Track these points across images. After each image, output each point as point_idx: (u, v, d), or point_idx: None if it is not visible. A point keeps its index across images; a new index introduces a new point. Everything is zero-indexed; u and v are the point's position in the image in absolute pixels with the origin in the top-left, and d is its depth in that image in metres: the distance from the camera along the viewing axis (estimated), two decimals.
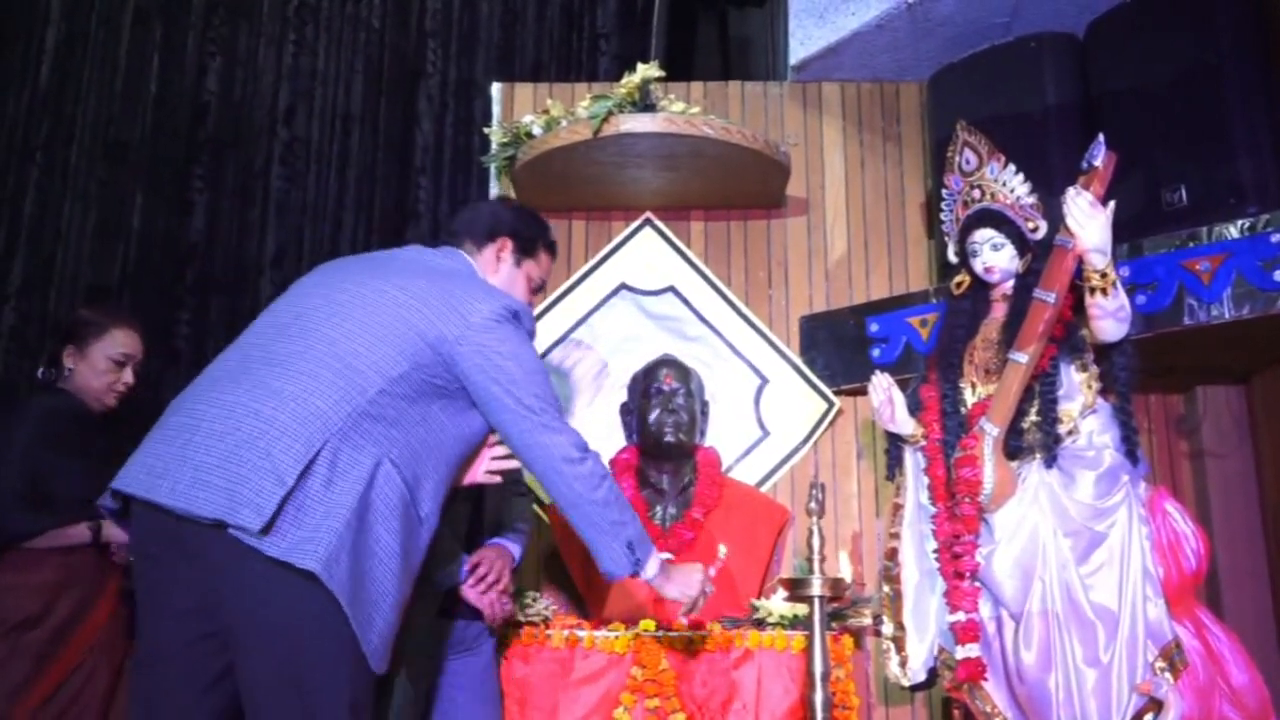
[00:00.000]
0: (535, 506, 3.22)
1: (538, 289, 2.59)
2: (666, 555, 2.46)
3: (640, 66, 3.39)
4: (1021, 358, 2.60)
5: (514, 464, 2.44)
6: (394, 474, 2.03)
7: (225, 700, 2.01)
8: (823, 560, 2.83)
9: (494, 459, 2.45)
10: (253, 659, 1.95)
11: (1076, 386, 2.69)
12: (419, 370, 2.11)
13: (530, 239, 2.53)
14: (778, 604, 3.06)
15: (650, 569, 2.33)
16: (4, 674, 2.83)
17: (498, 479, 2.50)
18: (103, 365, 3.08)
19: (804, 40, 3.89)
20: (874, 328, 3.55)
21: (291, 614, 1.91)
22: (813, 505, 2.80)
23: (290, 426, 1.95)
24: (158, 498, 1.94)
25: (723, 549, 2.82)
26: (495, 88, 4.06)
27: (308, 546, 1.88)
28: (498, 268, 2.47)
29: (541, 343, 3.69)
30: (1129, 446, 2.66)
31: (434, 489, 2.15)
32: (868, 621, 3.17)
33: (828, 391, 3.65)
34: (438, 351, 2.13)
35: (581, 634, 2.97)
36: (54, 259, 4.52)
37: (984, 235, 2.83)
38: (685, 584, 2.43)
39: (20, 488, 2.90)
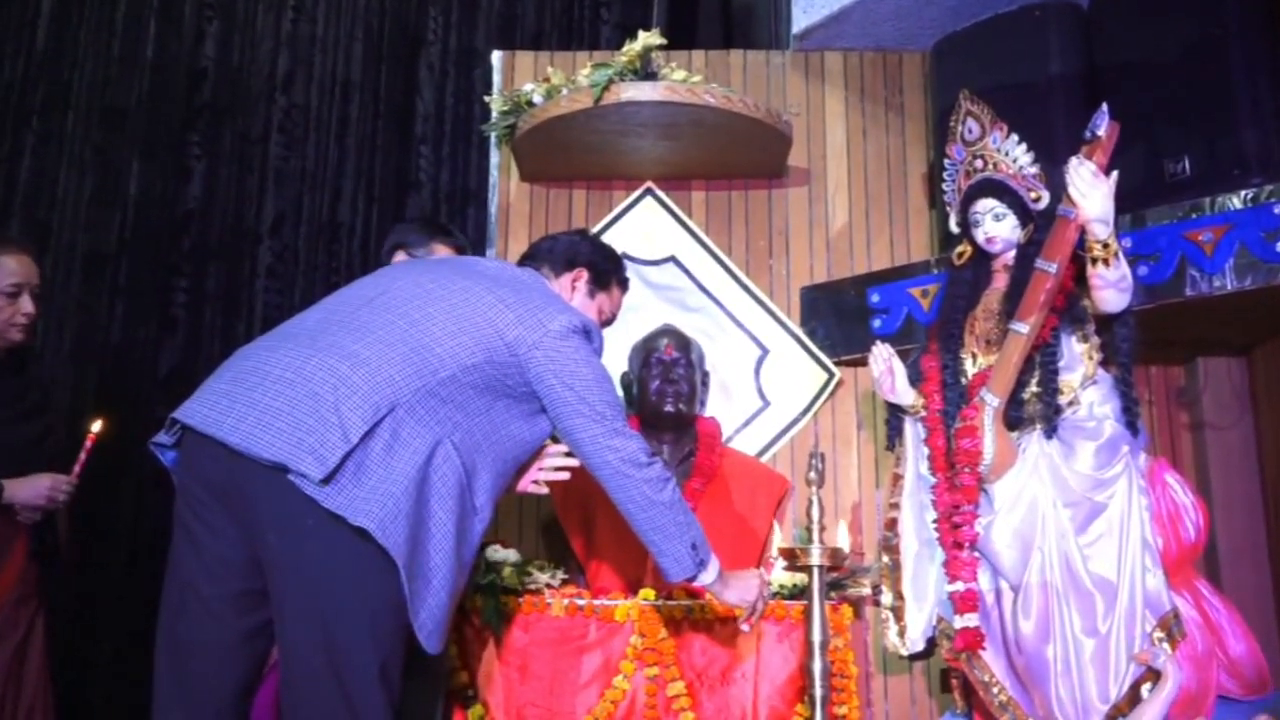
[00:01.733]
0: None
1: (607, 322, 2.64)
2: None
3: (641, 34, 3.37)
4: (1022, 328, 2.60)
5: (563, 475, 2.53)
6: (454, 455, 2.06)
7: (257, 657, 2.06)
8: (822, 530, 2.84)
9: (541, 469, 2.53)
10: (293, 608, 1.96)
11: (1077, 357, 2.69)
12: (492, 366, 2.15)
13: (605, 272, 2.60)
14: (777, 573, 3.06)
15: (710, 573, 2.38)
16: None
17: (544, 490, 2.57)
18: None
19: (807, 8, 3.86)
20: (875, 298, 3.54)
21: (340, 568, 1.94)
22: (812, 475, 2.80)
23: (360, 387, 1.98)
24: (220, 433, 1.96)
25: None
26: (496, 56, 4.02)
27: (365, 505, 1.91)
28: (572, 296, 2.53)
29: None
30: (1129, 418, 2.66)
31: (490, 483, 2.17)
32: (867, 591, 3.17)
33: (828, 362, 3.65)
34: (514, 353, 2.17)
35: (581, 603, 2.97)
36: (50, 225, 4.49)
37: (986, 205, 2.82)
38: (744, 589, 2.49)
39: None
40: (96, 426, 2.80)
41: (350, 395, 1.97)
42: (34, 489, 2.75)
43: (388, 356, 2.05)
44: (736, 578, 2.47)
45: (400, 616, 1.97)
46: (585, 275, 2.55)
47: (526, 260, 2.57)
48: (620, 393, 3.53)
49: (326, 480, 1.90)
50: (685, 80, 3.38)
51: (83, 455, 2.77)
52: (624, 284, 2.69)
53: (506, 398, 2.19)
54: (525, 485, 2.55)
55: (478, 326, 2.16)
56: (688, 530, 2.31)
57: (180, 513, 2.07)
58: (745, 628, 2.60)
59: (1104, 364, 2.72)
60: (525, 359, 2.19)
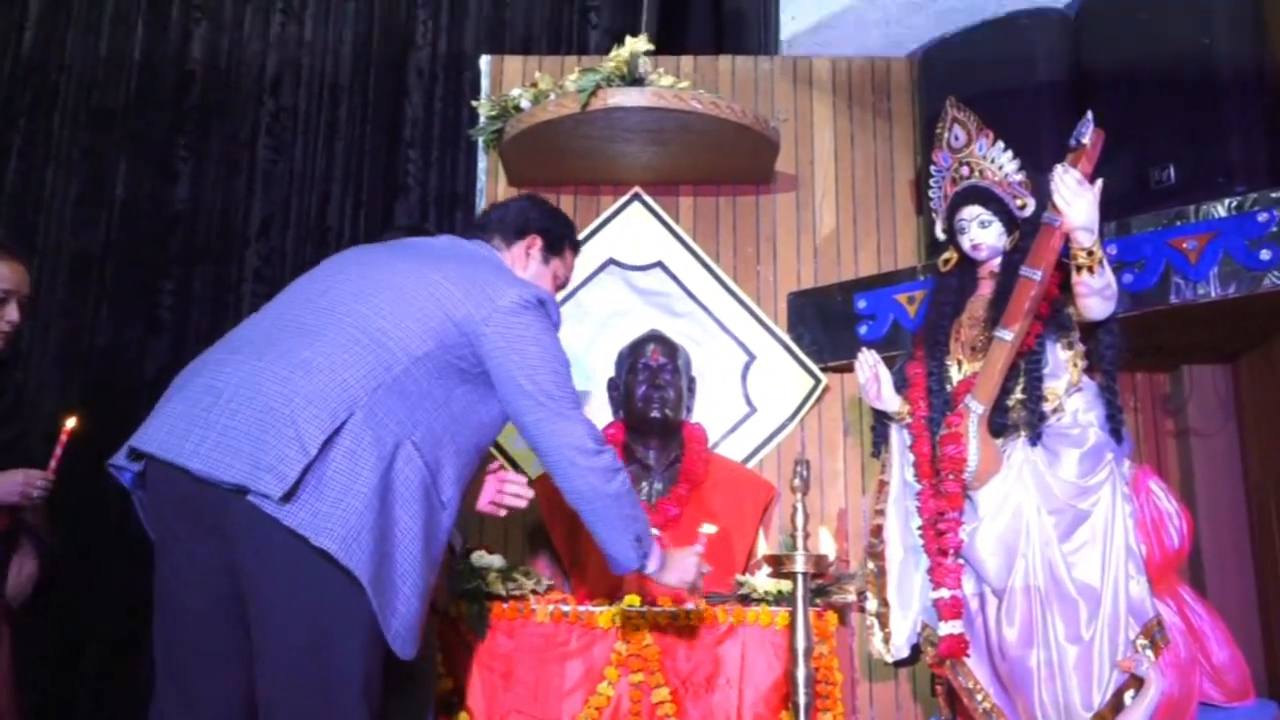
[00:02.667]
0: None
1: (562, 286, 2.61)
2: (654, 531, 2.46)
3: (629, 40, 3.38)
4: (1007, 335, 2.60)
5: (521, 504, 2.51)
6: (416, 456, 2.02)
7: (250, 672, 2.01)
8: (807, 537, 2.84)
9: (501, 493, 2.51)
10: (268, 629, 1.93)
11: (1062, 364, 2.69)
12: (444, 351, 2.10)
13: (558, 237, 2.54)
14: (762, 580, 3.06)
15: (653, 563, 2.35)
16: None
17: (502, 512, 2.53)
18: None
19: (795, 15, 3.88)
20: (862, 304, 3.55)
21: (308, 587, 1.90)
22: (797, 482, 2.80)
23: (316, 396, 1.94)
24: (181, 459, 1.93)
25: (706, 528, 2.83)
26: (484, 61, 4.02)
27: (327, 523, 1.87)
28: (526, 264, 2.48)
29: None
30: (1114, 425, 2.66)
31: (455, 474, 2.13)
32: (852, 598, 3.17)
33: (815, 368, 3.65)
34: (464, 332, 2.13)
35: (566, 609, 2.97)
36: (37, 227, 4.47)
37: (972, 212, 2.83)
38: (682, 570, 2.46)
39: None
40: (71, 423, 2.76)
41: (305, 405, 1.93)
42: (8, 484, 2.72)
43: (340, 360, 2.00)
44: (673, 559, 2.45)
45: (374, 630, 1.94)
46: (539, 242, 2.49)
47: (476, 232, 2.51)
48: (610, 385, 3.52)
49: (287, 497, 1.86)
50: (673, 86, 3.38)
51: (58, 450, 2.74)
52: (576, 247, 2.63)
53: (465, 383, 2.15)
54: (484, 506, 2.52)
55: (425, 311, 2.11)
56: (633, 524, 2.27)
57: (154, 533, 2.06)
58: (690, 602, 2.62)
59: (1089, 371, 2.72)
60: (475, 337, 2.14)
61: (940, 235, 2.96)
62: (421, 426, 2.05)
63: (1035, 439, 2.65)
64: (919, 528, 2.78)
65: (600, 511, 2.24)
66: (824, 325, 3.64)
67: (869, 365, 2.94)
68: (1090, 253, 2.53)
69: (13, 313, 2.83)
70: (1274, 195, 2.86)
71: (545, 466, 2.25)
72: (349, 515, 1.89)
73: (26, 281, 2.90)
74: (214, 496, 1.91)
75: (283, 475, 1.86)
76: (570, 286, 3.68)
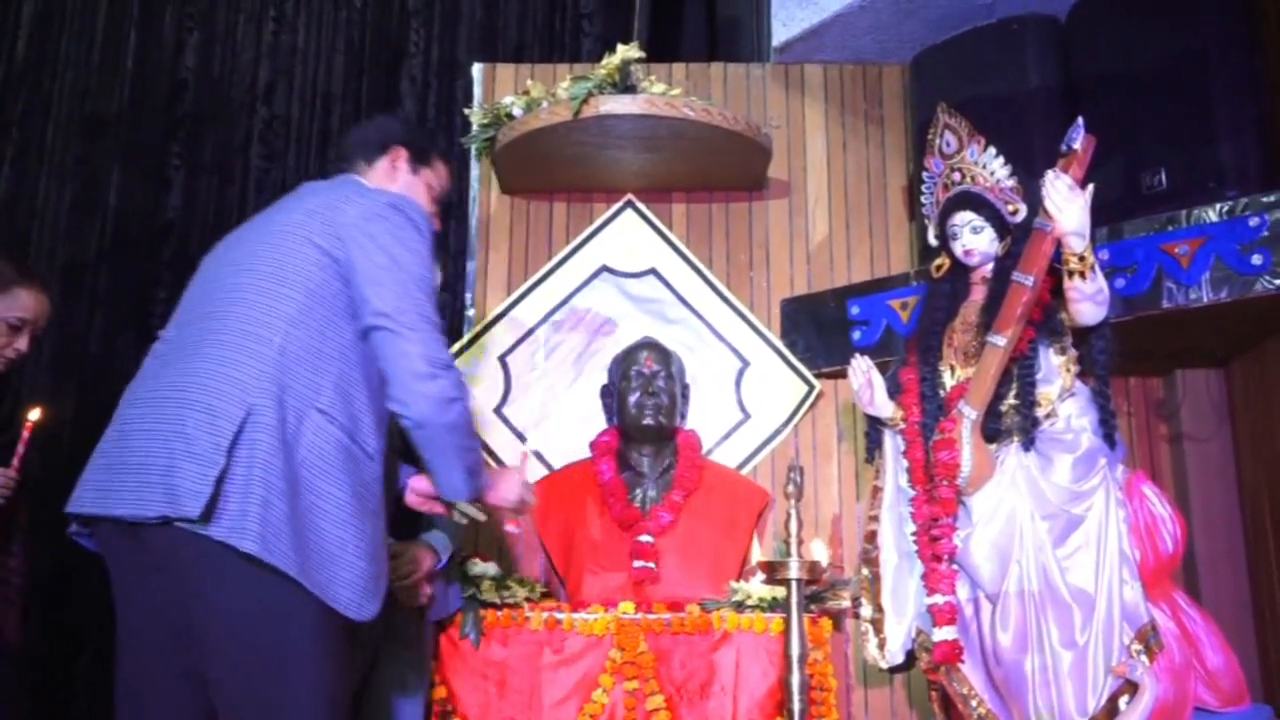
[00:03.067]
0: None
1: (440, 199, 2.50)
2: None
3: (620, 47, 3.38)
4: (1000, 340, 2.60)
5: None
6: (326, 423, 1.98)
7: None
8: (800, 543, 2.84)
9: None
10: (219, 658, 1.91)
11: (1055, 370, 2.70)
12: (318, 300, 2.03)
13: (423, 148, 2.46)
14: (756, 586, 3.06)
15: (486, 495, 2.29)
16: None
17: (441, 509, 2.46)
18: None
19: (786, 21, 3.88)
20: (855, 310, 3.55)
21: (247, 598, 1.88)
22: (791, 488, 2.80)
23: (210, 404, 1.91)
24: (106, 510, 1.93)
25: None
26: (477, 68, 4.02)
27: (245, 523, 1.84)
28: (395, 177, 2.39)
29: (523, 324, 3.68)
30: (1107, 430, 2.66)
31: (374, 421, 2.08)
32: (846, 604, 3.17)
33: (808, 374, 3.65)
34: (333, 258, 2.05)
35: (560, 616, 2.97)
36: (29, 235, 4.47)
37: (964, 218, 2.83)
38: (506, 489, 2.39)
39: None
40: (34, 415, 2.72)
41: (202, 417, 1.90)
42: None
43: (224, 359, 1.96)
44: (497, 479, 2.38)
45: (323, 620, 1.92)
46: (404, 153, 2.41)
47: (338, 164, 2.43)
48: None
49: (208, 514, 1.84)
50: (665, 93, 3.38)
51: (20, 448, 2.70)
52: (445, 156, 2.53)
53: (352, 320, 2.07)
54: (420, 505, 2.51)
55: (294, 264, 2.04)
56: (466, 455, 2.16)
57: (114, 586, 2.05)
58: (512, 529, 2.59)
59: (1082, 376, 2.72)
60: (340, 265, 2.06)
61: (933, 241, 2.97)
62: (326, 388, 2.00)
63: (1028, 444, 2.66)
64: (913, 533, 2.78)
65: (431, 439, 2.11)
66: (817, 331, 3.64)
67: (862, 371, 2.94)
68: (1082, 258, 2.53)
69: (23, 342, 2.82)
70: (1265, 200, 2.87)
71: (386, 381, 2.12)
72: (266, 511, 1.86)
73: (46, 314, 2.89)
74: (148, 536, 1.90)
75: (197, 493, 1.84)
76: (564, 294, 3.70)
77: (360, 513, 2.00)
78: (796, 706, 2.70)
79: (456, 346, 3.64)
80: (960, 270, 2.91)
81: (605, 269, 3.76)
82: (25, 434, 2.67)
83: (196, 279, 2.21)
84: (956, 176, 2.87)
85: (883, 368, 2.98)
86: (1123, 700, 2.48)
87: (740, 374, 3.68)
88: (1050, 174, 2.52)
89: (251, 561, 1.85)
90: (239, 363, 1.95)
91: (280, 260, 2.06)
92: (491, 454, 3.51)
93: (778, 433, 3.64)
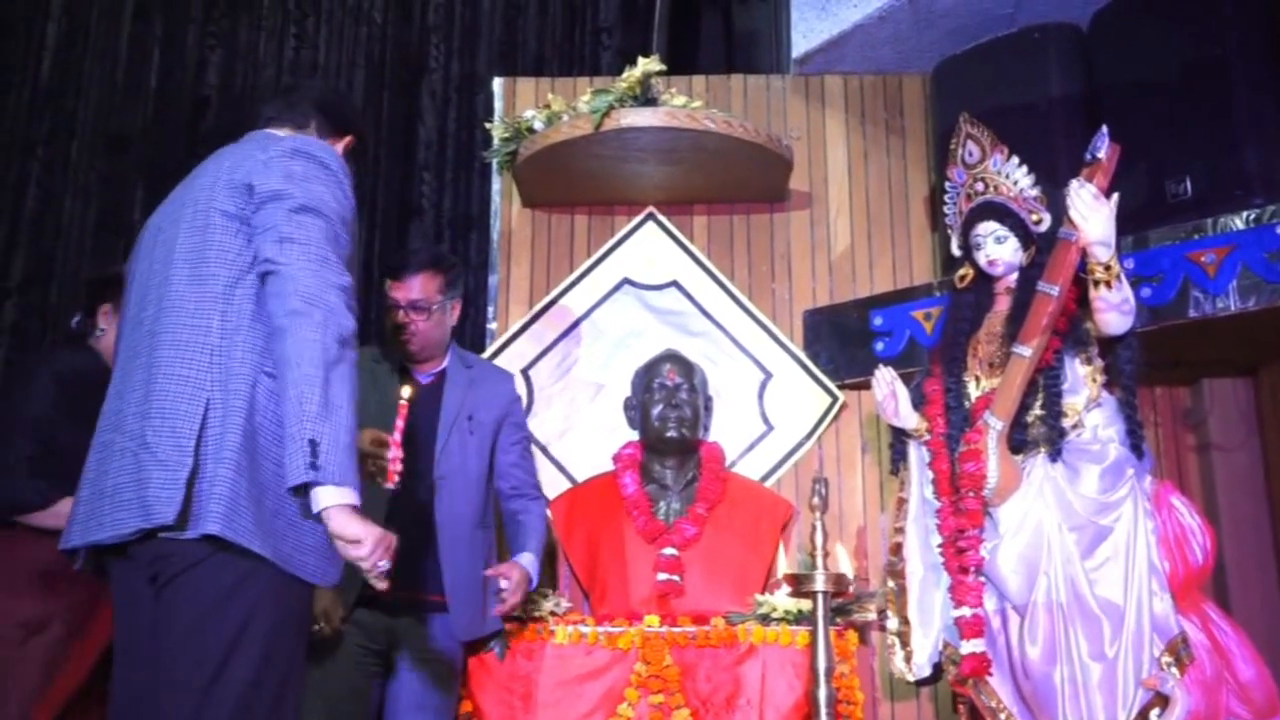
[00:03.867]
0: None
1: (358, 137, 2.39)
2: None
3: (641, 60, 3.39)
4: (1025, 351, 2.59)
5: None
6: (273, 385, 1.89)
7: None
8: (826, 555, 2.83)
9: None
10: (177, 626, 1.86)
11: (1081, 380, 2.68)
12: (239, 268, 1.95)
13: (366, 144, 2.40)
14: (782, 599, 3.05)
15: (330, 495, 1.82)
16: (14, 682, 2.70)
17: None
18: None
19: (806, 33, 3.88)
20: (878, 321, 3.54)
21: (214, 578, 1.84)
22: (815, 500, 2.80)
23: (166, 409, 1.88)
24: (92, 537, 1.91)
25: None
26: (497, 82, 4.04)
27: (209, 506, 1.81)
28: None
29: (545, 338, 3.69)
30: (1134, 440, 2.65)
31: None
32: (872, 616, 3.16)
33: (832, 386, 3.64)
34: (241, 219, 1.97)
35: (586, 630, 2.96)
36: (55, 254, 4.51)
37: (987, 228, 2.82)
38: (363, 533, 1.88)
39: (32, 453, 2.76)
40: (407, 393, 2.62)
41: (163, 424, 1.87)
42: None
43: (173, 359, 1.91)
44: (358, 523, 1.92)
45: (291, 591, 1.89)
46: (349, 145, 2.33)
47: (272, 119, 2.27)
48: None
49: (185, 518, 1.81)
50: (685, 105, 3.39)
51: (400, 422, 2.60)
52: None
53: None
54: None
55: (211, 240, 1.97)
56: (315, 423, 1.81)
57: (114, 603, 2.04)
58: (378, 585, 1.94)
59: (1108, 386, 2.70)
60: (247, 217, 1.97)
61: (956, 251, 2.96)
62: (271, 353, 1.91)
63: (1055, 455, 2.64)
64: (939, 545, 2.76)
65: (293, 377, 1.84)
66: (840, 343, 3.64)
67: (886, 382, 2.92)
68: (1108, 267, 2.52)
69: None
70: None
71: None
72: (223, 489, 1.82)
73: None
74: (137, 553, 1.90)
75: (169, 499, 1.82)
76: (585, 306, 3.71)
77: None
78: None
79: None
80: (984, 280, 2.90)
81: (627, 282, 3.76)
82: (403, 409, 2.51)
83: (132, 270, 2.16)
84: (980, 186, 2.86)
85: (906, 379, 2.97)
86: (1154, 713, 2.46)
87: (763, 386, 3.68)
88: (1075, 183, 2.51)
89: (218, 544, 1.82)
90: (184, 359, 1.91)
91: (196, 242, 1.99)
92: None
93: (801, 444, 3.63)
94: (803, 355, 3.68)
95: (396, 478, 2.20)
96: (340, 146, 2.28)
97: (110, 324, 2.96)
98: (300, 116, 2.26)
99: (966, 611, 2.65)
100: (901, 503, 2.93)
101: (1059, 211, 2.62)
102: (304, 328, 1.85)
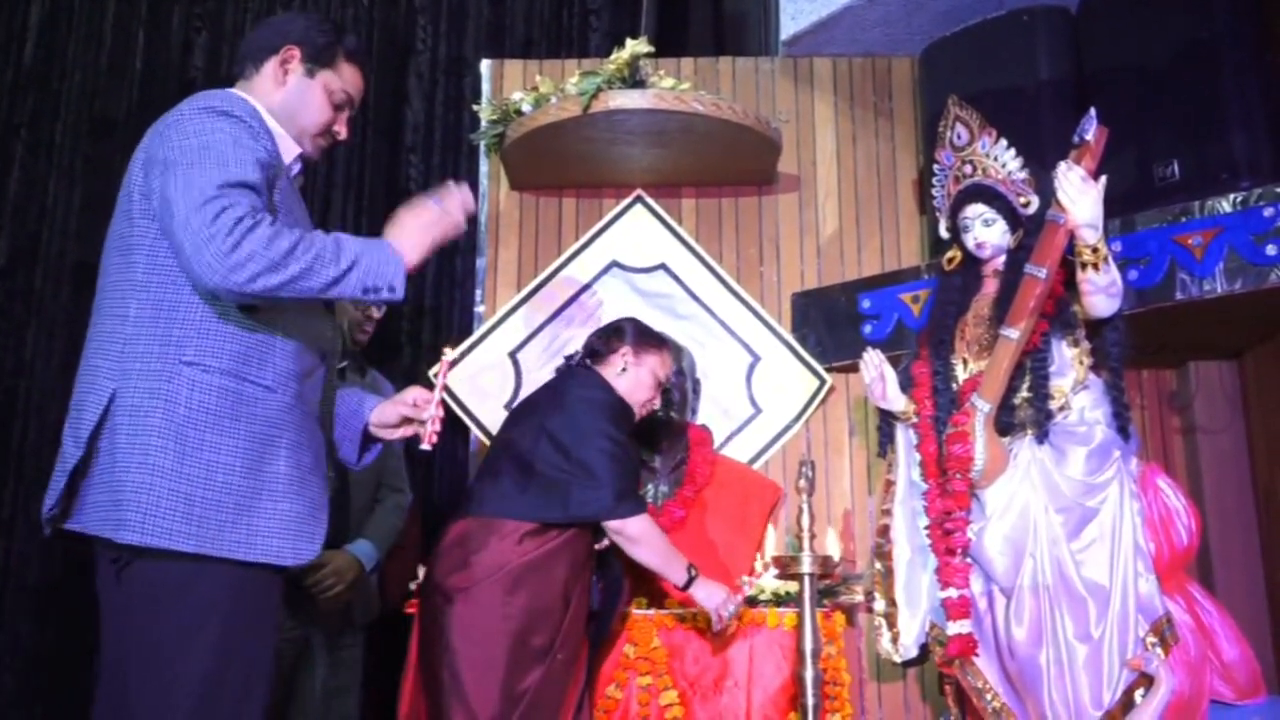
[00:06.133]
0: None
1: (343, 105, 2.22)
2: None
3: (629, 42, 3.37)
4: (1013, 333, 2.59)
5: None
6: (197, 374, 1.86)
7: None
8: (813, 538, 2.84)
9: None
10: (114, 636, 1.87)
11: (1068, 362, 2.69)
12: (158, 252, 1.91)
13: (323, 45, 2.18)
14: (769, 581, 3.06)
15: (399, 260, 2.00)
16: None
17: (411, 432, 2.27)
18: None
19: (795, 15, 3.86)
20: (866, 304, 3.54)
21: (140, 583, 1.83)
22: (802, 483, 2.80)
23: (78, 401, 1.89)
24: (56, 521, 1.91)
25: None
26: (485, 65, 4.02)
27: (119, 514, 1.78)
28: (285, 80, 2.15)
29: (533, 320, 3.68)
30: (1121, 422, 2.66)
31: (266, 355, 1.95)
32: (859, 598, 3.17)
33: (820, 369, 3.64)
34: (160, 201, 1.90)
35: None
36: (39, 237, 4.48)
37: (975, 211, 2.82)
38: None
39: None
40: (450, 354, 2.55)
41: (72, 417, 1.88)
42: None
43: (92, 351, 1.91)
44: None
45: (247, 580, 1.86)
46: (296, 53, 2.15)
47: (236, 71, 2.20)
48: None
49: (65, 508, 1.81)
50: (674, 88, 3.37)
51: (441, 380, 2.53)
52: (354, 55, 2.24)
53: None
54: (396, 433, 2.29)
55: (133, 228, 1.93)
56: (317, 270, 1.90)
57: None
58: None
59: (1095, 369, 2.71)
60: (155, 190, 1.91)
61: (944, 234, 2.96)
62: (189, 337, 1.88)
63: (1042, 437, 2.65)
64: (926, 527, 2.77)
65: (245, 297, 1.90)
66: (828, 325, 3.64)
67: (874, 365, 2.93)
68: (1095, 250, 2.52)
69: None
70: (1279, 190, 2.85)
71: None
72: (140, 494, 1.79)
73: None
74: (97, 556, 1.90)
75: (54, 490, 1.82)
76: (574, 289, 3.70)
77: (266, 454, 1.90)
78: (810, 701, 2.70)
79: (467, 343, 3.64)
80: (972, 263, 2.90)
81: (615, 264, 3.76)
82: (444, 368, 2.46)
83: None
84: (968, 169, 2.86)
85: (894, 361, 2.97)
86: (1138, 693, 2.48)
87: (751, 369, 3.68)
88: (1063, 166, 2.51)
89: (137, 551, 1.80)
90: (100, 350, 1.90)
91: (123, 227, 1.96)
92: None
93: (789, 427, 3.63)
94: (791, 338, 3.68)
95: (435, 438, 2.19)
96: (270, 67, 2.15)
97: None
98: (241, 68, 2.19)
99: (953, 593, 2.66)
100: (889, 485, 2.94)
101: (1047, 194, 2.62)
102: (213, 251, 1.81)
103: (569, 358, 3.10)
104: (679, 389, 3.39)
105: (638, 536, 2.73)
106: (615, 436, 2.76)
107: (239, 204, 1.84)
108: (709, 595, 2.80)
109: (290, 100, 2.15)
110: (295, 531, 1.91)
